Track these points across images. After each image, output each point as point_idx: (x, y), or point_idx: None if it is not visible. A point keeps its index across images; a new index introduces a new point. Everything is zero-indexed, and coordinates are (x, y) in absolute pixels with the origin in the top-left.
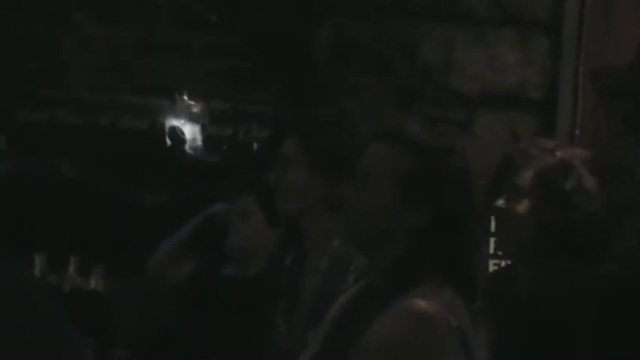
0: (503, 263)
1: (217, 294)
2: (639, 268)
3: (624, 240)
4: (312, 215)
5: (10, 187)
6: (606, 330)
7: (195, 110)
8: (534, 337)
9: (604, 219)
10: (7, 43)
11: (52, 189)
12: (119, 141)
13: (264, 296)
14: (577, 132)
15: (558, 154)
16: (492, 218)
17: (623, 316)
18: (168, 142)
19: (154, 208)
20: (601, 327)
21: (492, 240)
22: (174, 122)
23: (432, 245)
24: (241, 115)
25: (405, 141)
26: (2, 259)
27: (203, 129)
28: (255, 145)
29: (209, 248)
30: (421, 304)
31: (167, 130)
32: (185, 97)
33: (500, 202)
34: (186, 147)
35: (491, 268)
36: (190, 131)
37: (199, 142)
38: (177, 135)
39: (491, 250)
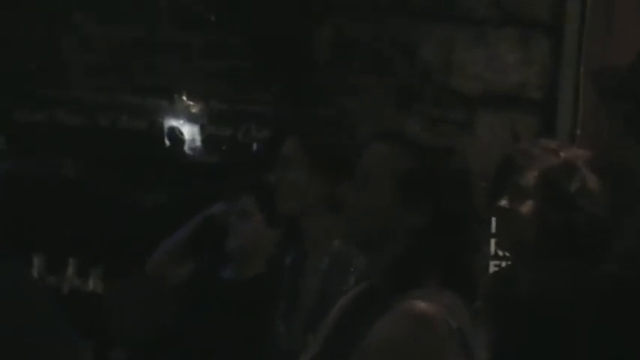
0: (503, 264)
1: (217, 294)
2: (639, 268)
3: (624, 240)
4: (312, 215)
5: (9, 187)
6: (606, 330)
7: (194, 110)
8: (534, 337)
9: (606, 220)
10: (6, 43)
11: (50, 189)
12: (118, 141)
13: (264, 296)
14: (578, 132)
15: (562, 154)
16: (493, 219)
17: (623, 317)
18: (167, 142)
19: (153, 209)
20: (601, 327)
21: (492, 240)
22: (173, 122)
23: (432, 245)
24: (240, 116)
25: (404, 141)
26: (1, 260)
27: (202, 129)
28: (254, 146)
29: (209, 249)
30: (421, 305)
31: (166, 130)
32: (184, 98)
33: (504, 203)
34: (186, 147)
35: (492, 268)
36: (189, 131)
37: (198, 143)
38: (176, 135)
39: (492, 251)
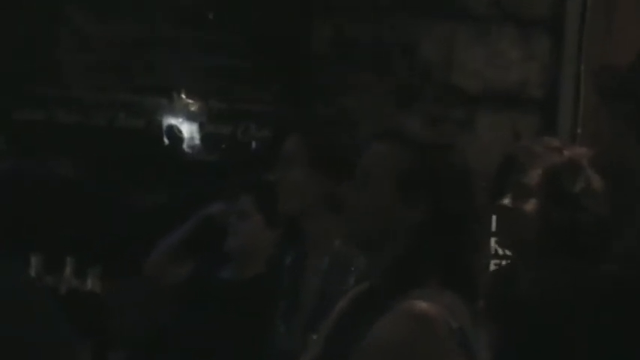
0: (503, 262)
1: (216, 294)
2: (639, 268)
3: (624, 240)
4: (312, 215)
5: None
6: (606, 330)
7: (193, 109)
8: (534, 337)
9: (608, 219)
10: (4, 43)
11: (48, 188)
12: (116, 140)
13: (264, 297)
14: (579, 131)
15: (565, 153)
16: (493, 217)
17: (623, 317)
18: (166, 140)
19: (152, 208)
20: (601, 327)
21: (493, 240)
22: (171, 121)
23: (432, 245)
24: (240, 114)
25: (404, 140)
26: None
27: (201, 128)
28: (253, 144)
29: (208, 248)
30: (421, 305)
31: (165, 128)
32: (183, 96)
33: (506, 201)
34: (184, 146)
35: (492, 267)
36: (188, 130)
37: (197, 141)
38: (174, 134)
39: (492, 250)
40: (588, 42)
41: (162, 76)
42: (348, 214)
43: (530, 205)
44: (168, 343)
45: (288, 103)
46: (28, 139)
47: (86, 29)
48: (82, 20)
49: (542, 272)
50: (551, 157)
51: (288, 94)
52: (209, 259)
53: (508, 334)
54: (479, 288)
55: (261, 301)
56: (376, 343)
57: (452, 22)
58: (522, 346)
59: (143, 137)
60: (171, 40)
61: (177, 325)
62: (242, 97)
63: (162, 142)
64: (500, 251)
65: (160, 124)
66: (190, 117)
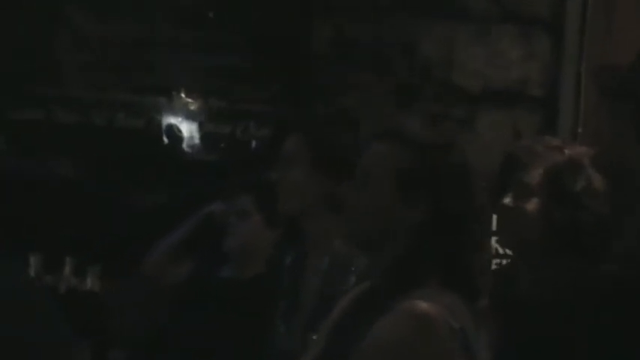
0: (504, 262)
1: (216, 294)
2: (639, 268)
3: (624, 240)
4: (312, 215)
5: (6, 186)
6: (606, 330)
7: (192, 108)
8: (534, 337)
9: (608, 219)
10: (2, 42)
11: (47, 188)
12: (115, 139)
13: (264, 296)
14: (579, 130)
15: (566, 152)
16: (494, 217)
17: (623, 317)
18: (165, 140)
19: (151, 207)
20: (601, 327)
21: (493, 239)
22: (171, 120)
23: (432, 245)
24: (239, 113)
25: (404, 139)
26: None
27: (200, 127)
28: (253, 143)
29: (207, 248)
30: (422, 305)
31: (164, 128)
32: (182, 95)
33: (507, 200)
34: (184, 145)
35: (492, 267)
36: (187, 129)
37: (197, 140)
38: (174, 133)
39: (492, 249)
40: (589, 41)
41: (162, 75)
42: (348, 214)
43: (532, 205)
44: (168, 343)
45: (288, 102)
46: (27, 139)
47: (85, 29)
48: (82, 20)
49: (542, 272)
50: (552, 156)
51: (289, 93)
52: (209, 258)
53: (508, 334)
54: (480, 288)
55: (261, 301)
56: (376, 343)
57: (452, 22)
58: (522, 346)
59: (143, 137)
60: (171, 40)
61: (177, 325)
62: (242, 96)
63: (162, 141)
64: (501, 250)
65: (159, 124)
66: (190, 116)
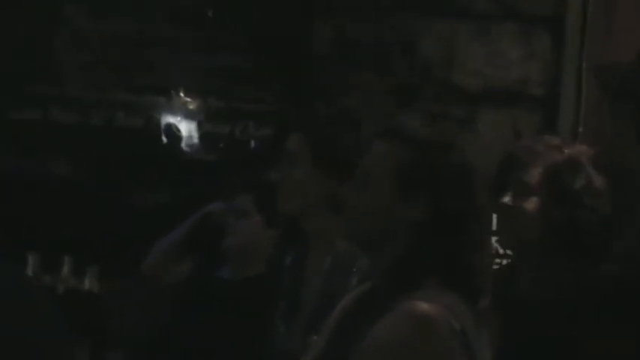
0: (504, 262)
1: (215, 294)
2: (639, 268)
3: (624, 240)
4: (313, 215)
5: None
6: (607, 330)
7: (191, 107)
8: (534, 337)
9: (610, 218)
10: (2, 42)
11: (45, 187)
12: (114, 139)
13: (264, 297)
14: (580, 129)
15: (566, 151)
16: (494, 216)
17: (623, 316)
18: (164, 139)
19: (150, 207)
20: (601, 327)
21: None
22: (170, 119)
23: (433, 245)
24: (238, 113)
25: (404, 138)
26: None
27: (199, 126)
28: (252, 143)
29: (206, 248)
30: (423, 306)
31: (163, 127)
32: (181, 94)
33: (507, 199)
34: (183, 145)
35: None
36: (186, 129)
37: (195, 140)
38: (173, 132)
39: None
40: (589, 40)
41: (162, 75)
42: (348, 214)
43: (531, 204)
44: (168, 343)
45: (290, 103)
46: (27, 139)
47: (85, 28)
48: (81, 19)
49: (542, 272)
50: (552, 156)
51: (290, 94)
52: (208, 258)
53: (508, 333)
54: (480, 288)
55: (261, 301)
56: (377, 344)
57: (452, 21)
58: (523, 345)
59: (142, 136)
60: (172, 39)
61: (178, 325)
62: (241, 95)
63: (161, 141)
64: (501, 250)
65: (158, 123)
66: (189, 115)
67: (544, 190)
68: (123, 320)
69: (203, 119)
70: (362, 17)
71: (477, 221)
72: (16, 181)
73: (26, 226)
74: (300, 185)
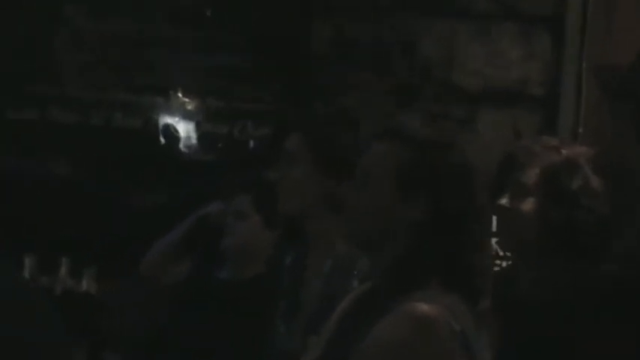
0: (504, 263)
1: (214, 295)
2: (639, 268)
3: (624, 240)
4: (312, 216)
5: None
6: (606, 330)
7: (189, 107)
8: (534, 337)
9: (607, 218)
10: (1, 42)
11: (43, 188)
12: (112, 139)
13: (264, 297)
14: (580, 129)
15: (563, 152)
16: (494, 218)
17: (623, 317)
18: (163, 140)
19: (148, 208)
20: (601, 327)
21: (494, 240)
22: (168, 120)
23: (432, 245)
24: (237, 113)
25: (404, 138)
26: None
27: (198, 126)
28: (251, 143)
29: (205, 249)
30: (423, 307)
31: (161, 127)
32: (180, 94)
33: (504, 201)
34: (181, 145)
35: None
36: (185, 129)
37: (194, 140)
38: (171, 133)
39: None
40: (589, 40)
41: (161, 75)
42: (348, 214)
43: (528, 205)
44: (167, 344)
45: (289, 102)
46: (21, 138)
47: (84, 28)
48: (80, 19)
49: (542, 272)
50: (549, 156)
51: (289, 93)
52: (207, 258)
53: (508, 334)
54: (481, 288)
55: (261, 302)
56: (377, 345)
57: (452, 21)
58: (522, 346)
59: (140, 137)
60: (171, 39)
61: (177, 326)
62: (240, 95)
63: (159, 141)
64: (501, 252)
65: (156, 124)
66: (187, 116)
67: (541, 191)
68: (121, 321)
69: (202, 119)
70: (361, 17)
71: (476, 222)
72: (15, 181)
73: (24, 227)
74: (300, 185)
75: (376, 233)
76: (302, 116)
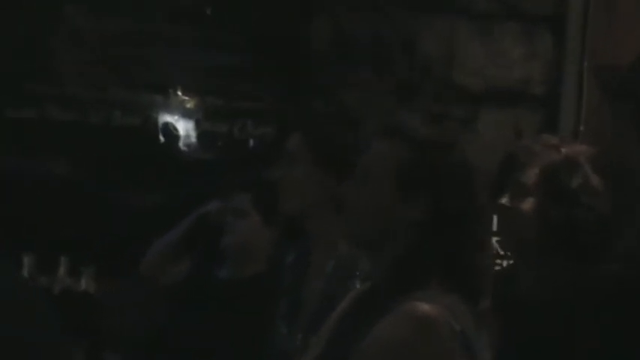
0: (504, 263)
1: (215, 294)
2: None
3: (625, 240)
4: (313, 215)
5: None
6: (607, 330)
7: (189, 106)
8: (534, 337)
9: (608, 217)
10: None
11: (42, 187)
12: (112, 138)
13: (264, 296)
14: (581, 128)
15: (563, 150)
16: (494, 217)
17: (623, 317)
18: (162, 138)
19: (148, 207)
20: (601, 327)
21: (494, 239)
22: (167, 118)
23: (432, 245)
24: (236, 111)
25: (404, 137)
26: None
27: (197, 125)
28: (251, 142)
29: (204, 247)
30: (423, 307)
31: (160, 126)
32: (179, 93)
33: (505, 200)
34: (180, 144)
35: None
36: (184, 127)
37: (193, 139)
38: (170, 131)
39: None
40: (591, 40)
41: (161, 74)
42: (348, 214)
43: (528, 204)
44: (167, 343)
45: (288, 101)
46: (19, 137)
47: (83, 27)
48: (80, 18)
49: (542, 272)
50: (549, 155)
51: (288, 92)
52: (207, 257)
53: (508, 334)
54: (481, 288)
55: (261, 301)
56: (377, 344)
57: (453, 20)
58: (523, 346)
59: (139, 135)
60: (170, 38)
61: (177, 325)
62: (240, 94)
63: (159, 140)
64: (502, 252)
65: (155, 122)
66: (187, 114)
67: (541, 190)
68: (121, 321)
69: (201, 118)
70: (361, 16)
71: (477, 221)
72: (14, 180)
73: (22, 226)
74: (300, 185)
75: (376, 233)
76: (302, 116)
